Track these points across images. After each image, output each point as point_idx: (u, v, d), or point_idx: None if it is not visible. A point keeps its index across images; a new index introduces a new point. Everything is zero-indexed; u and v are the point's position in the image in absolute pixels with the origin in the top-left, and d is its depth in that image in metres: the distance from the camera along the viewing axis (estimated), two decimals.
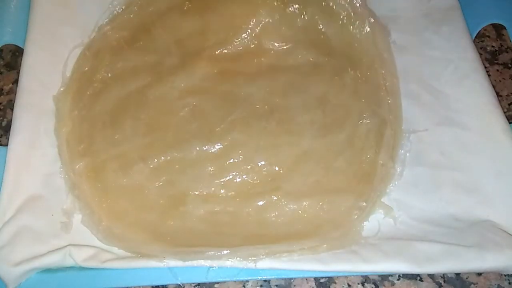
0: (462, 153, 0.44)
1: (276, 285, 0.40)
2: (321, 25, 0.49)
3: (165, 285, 0.39)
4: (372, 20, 0.48)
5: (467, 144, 0.44)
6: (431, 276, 0.40)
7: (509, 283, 0.40)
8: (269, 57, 0.48)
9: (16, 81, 0.48)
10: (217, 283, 0.40)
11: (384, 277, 0.40)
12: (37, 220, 0.40)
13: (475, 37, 0.51)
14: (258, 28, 0.49)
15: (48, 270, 0.38)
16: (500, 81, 0.51)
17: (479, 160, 0.43)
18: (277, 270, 0.38)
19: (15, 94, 0.45)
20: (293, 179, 0.42)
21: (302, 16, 0.49)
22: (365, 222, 0.40)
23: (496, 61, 0.53)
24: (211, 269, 0.38)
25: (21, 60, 0.47)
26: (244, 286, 0.40)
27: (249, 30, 0.49)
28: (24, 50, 0.48)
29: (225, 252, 0.38)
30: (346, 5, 0.49)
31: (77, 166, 0.42)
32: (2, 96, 0.50)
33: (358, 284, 0.40)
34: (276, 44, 0.48)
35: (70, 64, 0.48)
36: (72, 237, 0.40)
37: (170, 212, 0.41)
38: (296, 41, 0.49)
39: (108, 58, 0.48)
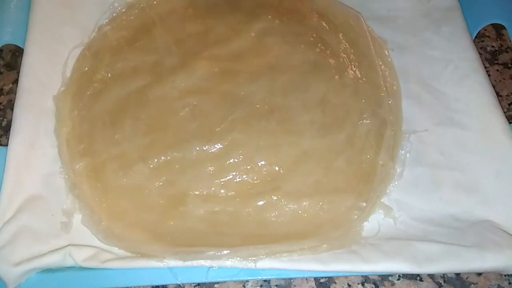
0: (462, 153, 0.44)
1: (276, 285, 0.40)
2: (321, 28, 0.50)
3: (165, 285, 0.39)
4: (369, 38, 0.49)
5: (467, 144, 0.44)
6: (431, 276, 0.40)
7: (509, 283, 0.40)
8: (269, 57, 0.48)
9: (16, 81, 0.48)
10: (217, 283, 0.40)
11: (384, 277, 0.40)
12: (37, 220, 0.40)
13: (475, 37, 0.51)
14: (259, 29, 0.49)
15: (48, 270, 0.38)
16: (500, 81, 0.51)
17: (479, 160, 0.43)
18: (277, 270, 0.38)
19: (15, 94, 0.45)
20: (293, 179, 0.42)
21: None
22: (365, 222, 0.41)
23: (496, 61, 0.53)
24: (211, 269, 0.38)
25: (21, 60, 0.47)
26: (244, 286, 0.40)
27: (249, 31, 0.49)
28: (24, 50, 0.48)
29: (225, 252, 0.38)
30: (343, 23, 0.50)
31: (77, 166, 0.42)
32: (2, 96, 0.50)
33: (358, 284, 0.40)
34: (276, 44, 0.48)
35: (70, 64, 0.48)
36: (72, 237, 0.40)
37: (170, 212, 0.41)
38: (296, 41, 0.49)
39: (108, 58, 0.48)
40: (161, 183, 0.42)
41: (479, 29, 0.52)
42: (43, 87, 0.46)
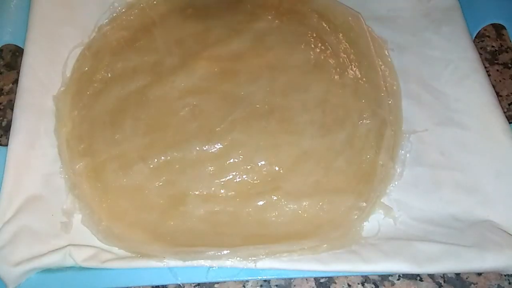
0: (462, 153, 0.44)
1: (276, 285, 0.40)
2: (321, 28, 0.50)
3: (165, 285, 0.39)
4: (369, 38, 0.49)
5: (467, 144, 0.44)
6: (431, 276, 0.40)
7: (509, 283, 0.40)
8: (269, 57, 0.48)
9: (16, 81, 0.48)
10: (217, 283, 0.40)
11: (384, 277, 0.40)
12: (37, 220, 0.40)
13: (475, 37, 0.51)
14: (259, 29, 0.49)
15: (48, 270, 0.38)
16: (500, 81, 0.51)
17: (479, 160, 0.43)
18: (277, 270, 0.38)
19: (15, 94, 0.45)
20: (293, 179, 0.42)
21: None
22: (365, 222, 0.41)
23: (496, 61, 0.53)
24: (211, 269, 0.38)
25: (21, 60, 0.47)
26: (244, 286, 0.40)
27: (249, 31, 0.49)
28: (24, 50, 0.48)
29: (225, 252, 0.38)
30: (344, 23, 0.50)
31: (77, 166, 0.42)
32: (2, 96, 0.50)
33: (358, 284, 0.40)
34: (276, 44, 0.48)
35: (70, 64, 0.48)
36: (72, 237, 0.40)
37: (170, 212, 0.41)
38: (296, 41, 0.49)
39: (108, 58, 0.48)
40: (161, 183, 0.42)
41: (479, 29, 0.52)
42: (43, 87, 0.46)
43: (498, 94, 0.48)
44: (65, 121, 0.45)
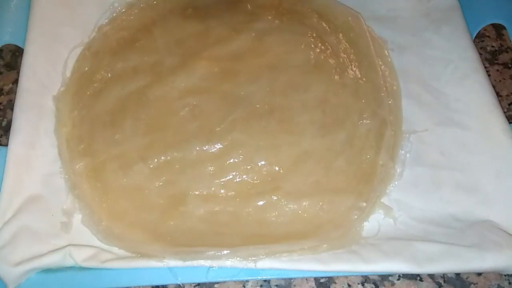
0: (462, 153, 0.44)
1: (276, 285, 0.40)
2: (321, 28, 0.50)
3: (165, 285, 0.39)
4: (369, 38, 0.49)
5: (467, 144, 0.44)
6: (431, 276, 0.40)
7: (509, 283, 0.40)
8: (269, 57, 0.48)
9: (16, 81, 0.48)
10: (217, 283, 0.40)
11: (384, 277, 0.40)
12: (37, 220, 0.40)
13: (475, 37, 0.51)
14: (259, 29, 0.49)
15: (48, 270, 0.38)
16: (500, 81, 0.51)
17: (479, 160, 0.43)
18: (277, 270, 0.38)
19: (15, 94, 0.45)
20: (293, 179, 0.42)
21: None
22: (365, 222, 0.41)
23: (496, 61, 0.53)
24: (211, 269, 0.38)
25: (21, 60, 0.47)
26: (244, 286, 0.40)
27: (249, 31, 0.49)
28: (24, 50, 0.48)
29: (225, 252, 0.38)
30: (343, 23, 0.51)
31: (77, 166, 0.42)
32: (2, 96, 0.50)
33: (358, 284, 0.40)
34: (276, 44, 0.48)
35: (70, 64, 0.48)
36: (72, 237, 0.40)
37: (170, 212, 0.41)
38: (296, 41, 0.49)
39: (108, 58, 0.48)
40: (161, 183, 0.42)
41: (479, 29, 0.52)
42: (43, 87, 0.46)
43: (498, 94, 0.48)
44: (65, 121, 0.45)
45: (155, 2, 0.52)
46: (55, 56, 0.48)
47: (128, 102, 0.45)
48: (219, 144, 0.43)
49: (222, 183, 0.41)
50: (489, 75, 0.49)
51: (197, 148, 0.42)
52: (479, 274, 0.40)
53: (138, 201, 0.41)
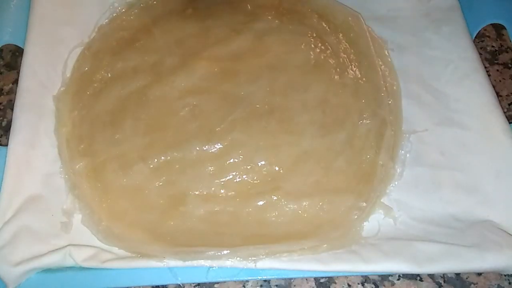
0: (462, 153, 0.44)
1: (276, 285, 0.40)
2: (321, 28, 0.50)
3: (165, 285, 0.39)
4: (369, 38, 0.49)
5: (467, 144, 0.44)
6: (431, 276, 0.40)
7: (509, 283, 0.40)
8: (269, 57, 0.48)
9: (16, 81, 0.48)
10: (217, 283, 0.40)
11: (384, 277, 0.40)
12: (37, 220, 0.40)
13: (475, 37, 0.51)
14: (259, 29, 0.49)
15: (48, 270, 0.38)
16: (500, 81, 0.51)
17: (479, 160, 0.43)
18: (277, 270, 0.38)
19: (15, 94, 0.45)
20: (293, 179, 0.42)
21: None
22: (365, 222, 0.41)
23: (496, 61, 0.53)
24: (211, 269, 0.38)
25: (21, 60, 0.47)
26: (244, 286, 0.40)
27: (249, 31, 0.49)
28: (24, 50, 0.48)
29: (225, 252, 0.38)
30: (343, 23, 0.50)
31: (77, 166, 0.42)
32: (2, 96, 0.50)
33: (358, 284, 0.40)
34: (276, 44, 0.48)
35: (70, 64, 0.48)
36: (72, 237, 0.40)
37: (170, 212, 0.41)
38: (296, 41, 0.49)
39: (108, 58, 0.48)
40: (161, 183, 0.42)
41: (479, 29, 0.52)
42: (43, 87, 0.46)
43: (498, 94, 0.48)
44: (65, 121, 0.45)
45: (155, 2, 0.52)
46: (55, 56, 0.48)
47: (128, 102, 0.45)
48: (219, 144, 0.43)
49: (222, 183, 0.41)
50: (489, 75, 0.49)
51: (197, 148, 0.42)
52: (479, 274, 0.40)
53: (138, 201, 0.41)
